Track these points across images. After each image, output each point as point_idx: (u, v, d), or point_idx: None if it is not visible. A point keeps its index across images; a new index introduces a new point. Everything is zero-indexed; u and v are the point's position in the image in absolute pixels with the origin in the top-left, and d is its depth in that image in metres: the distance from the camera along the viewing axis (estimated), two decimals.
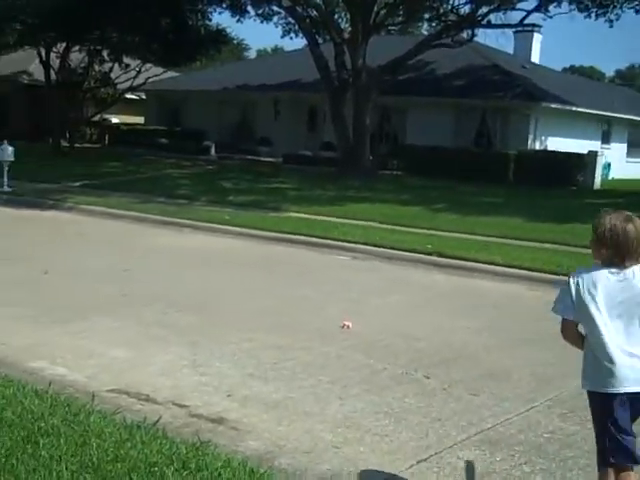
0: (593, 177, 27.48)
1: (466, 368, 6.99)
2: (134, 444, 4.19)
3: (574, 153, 27.39)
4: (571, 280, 4.05)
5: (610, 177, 31.51)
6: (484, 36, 31.88)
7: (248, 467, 4.14)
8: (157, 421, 4.82)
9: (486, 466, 4.94)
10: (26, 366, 6.34)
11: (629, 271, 3.91)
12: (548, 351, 7.73)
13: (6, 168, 19.22)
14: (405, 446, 5.19)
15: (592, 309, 3.96)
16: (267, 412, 5.66)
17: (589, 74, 74.91)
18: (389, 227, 15.54)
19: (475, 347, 7.73)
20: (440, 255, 12.57)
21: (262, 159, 32.50)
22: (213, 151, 33.91)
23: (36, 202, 17.79)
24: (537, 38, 40.57)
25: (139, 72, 34.57)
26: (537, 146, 29.96)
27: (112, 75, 35.09)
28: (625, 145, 36.38)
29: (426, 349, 7.54)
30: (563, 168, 26.65)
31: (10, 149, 19.25)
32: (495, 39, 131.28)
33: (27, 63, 38.83)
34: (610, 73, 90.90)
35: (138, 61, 34.30)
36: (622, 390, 3.90)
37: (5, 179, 19.22)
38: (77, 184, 21.60)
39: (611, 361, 3.94)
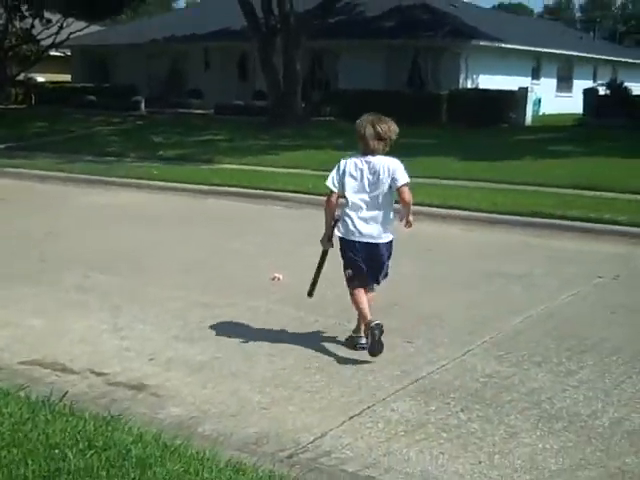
0: (524, 113, 27.48)
1: (400, 315, 6.77)
2: (35, 424, 3.86)
3: (505, 90, 27.30)
4: (340, 162, 5.72)
5: (541, 113, 31.55)
6: None
7: (162, 441, 3.84)
8: (64, 395, 4.49)
9: (420, 417, 4.74)
10: None
11: (375, 158, 5.64)
12: (482, 291, 7.61)
13: None
14: (337, 402, 4.96)
15: (349, 185, 5.63)
16: (191, 375, 5.37)
17: (518, 11, 74.90)
18: (323, 174, 15.18)
19: (408, 293, 7.53)
20: None
21: (194, 111, 31.80)
22: (143, 106, 33.06)
23: None
24: None
25: (61, 27, 33.43)
26: (469, 85, 29.83)
27: (34, 32, 33.89)
28: (555, 80, 36.45)
29: None
30: (495, 106, 26.56)
31: None
32: None
33: None
34: (539, 9, 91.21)
35: (59, 16, 33.10)
36: (358, 240, 5.73)
37: None
38: (1, 146, 20.80)
39: (354, 221, 5.70)
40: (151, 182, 14.61)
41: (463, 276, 8.19)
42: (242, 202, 12.80)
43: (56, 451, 3.62)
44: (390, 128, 5.68)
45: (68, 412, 4.20)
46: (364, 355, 5.71)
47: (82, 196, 13.74)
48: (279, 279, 7.77)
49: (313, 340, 6.08)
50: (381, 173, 5.63)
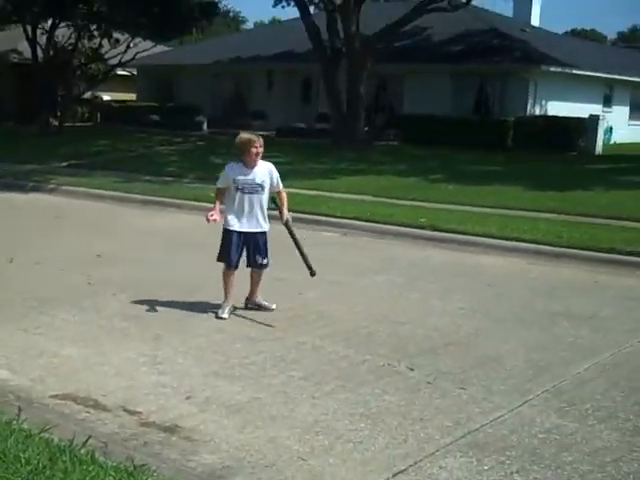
0: (595, 142, 26.64)
1: (455, 357, 6.36)
2: (52, 474, 3.56)
3: (575, 117, 26.56)
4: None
5: (612, 141, 30.64)
6: None
7: None
8: (87, 440, 4.19)
9: (472, 477, 4.33)
10: None
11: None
12: (546, 333, 7.14)
13: None
14: (381, 455, 4.58)
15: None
16: (228, 417, 5.05)
17: (590, 37, 73.61)
18: (382, 200, 14.88)
19: (466, 331, 7.11)
20: (434, 229, 11.93)
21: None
22: (205, 126, 33.12)
23: (16, 184, 17.14)
24: (537, 1, 39.47)
25: (129, 47, 33.76)
26: (537, 111, 29.12)
27: (102, 51, 34.31)
28: (627, 108, 35.43)
29: (412, 336, 6.91)
30: (563, 133, 25.85)
31: None
32: (493, 2, 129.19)
33: (16, 41, 37.93)
34: (612, 36, 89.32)
35: (127, 35, 33.46)
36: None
37: None
38: (63, 164, 20.96)
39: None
40: (208, 205, 14.37)
41: (525, 315, 7.73)
42: (297, 227, 12.45)
43: None
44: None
45: (89, 459, 3.89)
46: (413, 402, 5.32)
47: (136, 217, 13.61)
48: (215, 220, 7.29)
49: (360, 382, 5.71)
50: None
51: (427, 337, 6.89)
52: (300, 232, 11.36)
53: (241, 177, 7.33)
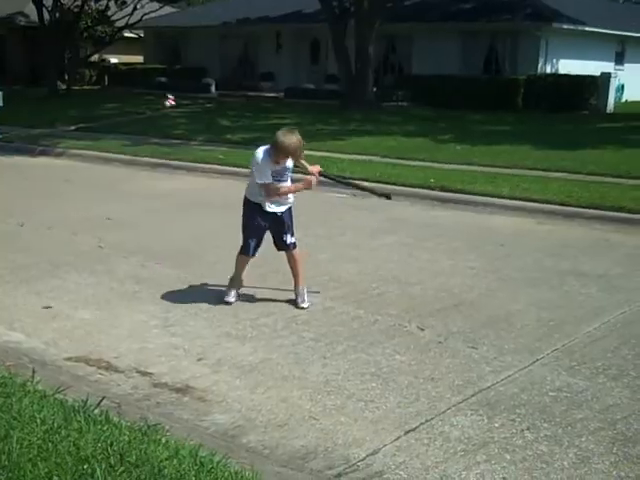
0: (606, 100, 26.42)
1: (465, 316, 6.38)
2: (68, 433, 3.60)
3: (586, 76, 26.31)
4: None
5: (624, 99, 30.38)
6: None
7: (198, 458, 3.53)
8: (100, 401, 4.23)
9: (483, 434, 4.36)
10: None
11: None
12: (556, 292, 7.14)
13: None
14: (392, 413, 4.61)
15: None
16: (240, 378, 5.09)
17: None
18: (391, 161, 14.82)
19: (477, 291, 7.11)
20: (443, 189, 11.89)
21: (264, 94, 31.56)
22: (214, 88, 32.98)
23: (26, 148, 17.09)
24: None
25: (135, 9, 33.57)
26: (548, 70, 28.84)
27: (108, 13, 34.09)
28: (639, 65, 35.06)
29: (423, 296, 6.93)
30: (575, 92, 25.65)
31: None
32: None
33: (23, 4, 37.71)
34: None
35: None
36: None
37: None
38: (72, 128, 20.90)
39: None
40: (217, 166, 14.41)
41: (536, 274, 7.72)
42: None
43: (85, 466, 3.35)
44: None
45: (104, 419, 3.93)
46: (424, 362, 5.35)
47: (145, 180, 13.61)
48: (171, 102, 7.22)
49: (371, 342, 5.73)
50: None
51: (437, 297, 6.90)
52: (309, 193, 11.33)
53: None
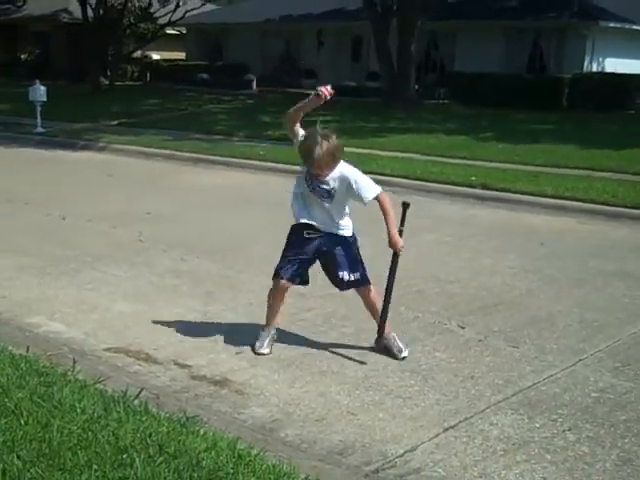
0: None
1: (506, 315, 6.29)
2: (107, 423, 3.61)
3: (634, 75, 25.93)
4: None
5: None
6: None
7: (237, 450, 3.52)
8: (140, 392, 4.24)
9: (523, 434, 4.28)
10: (21, 322, 5.83)
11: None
12: (600, 293, 7.02)
13: (39, 108, 18.69)
14: (431, 410, 4.56)
15: None
16: (279, 372, 5.07)
17: None
18: (432, 159, 14.72)
19: (518, 291, 7.02)
20: (485, 187, 11.78)
21: (305, 91, 31.51)
22: (255, 85, 33.10)
23: (69, 142, 17.31)
24: None
25: (178, 5, 33.80)
26: (594, 69, 28.48)
27: (151, 10, 34.38)
28: None
29: (462, 294, 6.85)
30: (621, 91, 25.29)
31: (42, 89, 18.65)
32: None
33: (67, 1, 38.20)
34: None
35: None
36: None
37: (38, 120, 18.72)
38: (114, 123, 21.12)
39: None
40: (257, 162, 14.43)
41: (579, 275, 7.60)
42: None
43: (124, 456, 3.36)
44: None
45: (143, 410, 3.94)
46: (464, 360, 5.29)
47: (186, 175, 13.68)
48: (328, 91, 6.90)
49: (410, 339, 5.67)
50: None
51: (477, 296, 6.83)
52: None
53: None
